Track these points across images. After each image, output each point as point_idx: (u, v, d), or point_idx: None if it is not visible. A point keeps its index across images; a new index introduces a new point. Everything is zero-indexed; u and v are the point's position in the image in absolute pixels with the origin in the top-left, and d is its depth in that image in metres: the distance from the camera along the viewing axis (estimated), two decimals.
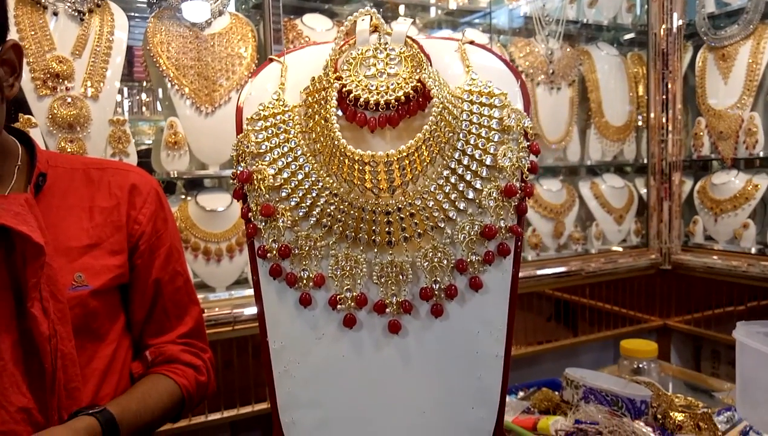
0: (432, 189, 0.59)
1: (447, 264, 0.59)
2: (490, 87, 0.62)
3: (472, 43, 0.66)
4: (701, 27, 2.21)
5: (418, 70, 0.59)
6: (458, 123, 0.60)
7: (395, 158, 0.56)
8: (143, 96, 1.92)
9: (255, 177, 0.60)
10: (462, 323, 0.61)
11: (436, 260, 0.59)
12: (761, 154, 2.06)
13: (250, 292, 1.67)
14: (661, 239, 2.30)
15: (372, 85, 0.58)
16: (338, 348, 0.61)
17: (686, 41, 2.30)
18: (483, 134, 0.60)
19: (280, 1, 1.60)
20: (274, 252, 0.60)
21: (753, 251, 2.09)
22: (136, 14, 1.62)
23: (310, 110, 0.60)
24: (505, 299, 0.61)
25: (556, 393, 1.20)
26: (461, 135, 0.60)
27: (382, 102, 0.58)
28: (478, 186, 0.59)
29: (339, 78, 0.59)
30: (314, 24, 1.74)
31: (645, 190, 2.34)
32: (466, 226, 0.60)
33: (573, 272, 2.06)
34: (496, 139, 0.60)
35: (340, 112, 0.59)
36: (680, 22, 2.26)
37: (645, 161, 2.32)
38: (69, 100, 1.38)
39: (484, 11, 2.03)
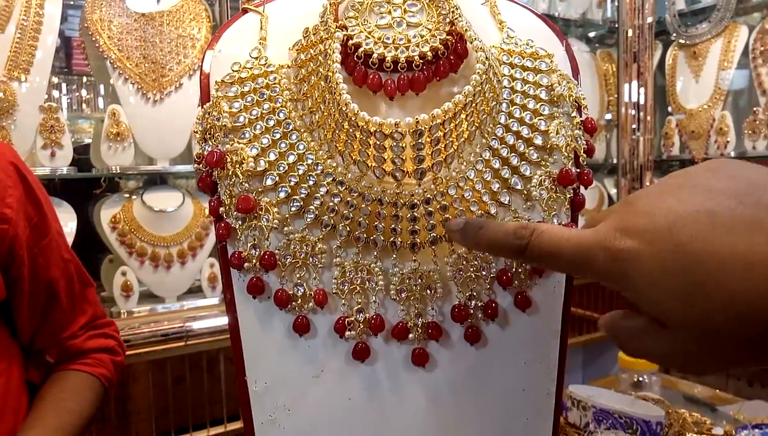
0: (470, 175, 0.44)
1: (486, 275, 0.45)
2: (533, 47, 0.48)
3: None
4: (671, 24, 2.17)
5: (446, 20, 0.44)
6: (501, 90, 0.46)
7: (427, 127, 0.40)
8: (83, 92, 1.75)
9: (229, 159, 0.43)
10: (505, 352, 0.46)
11: (472, 269, 0.44)
12: (732, 154, 2.03)
13: (204, 302, 1.50)
14: None
15: (388, 38, 0.43)
16: (344, 388, 0.45)
17: (655, 39, 2.26)
18: (530, 106, 0.46)
19: None
20: (254, 261, 0.43)
21: None
22: (73, 1, 1.42)
23: (303, 71, 0.45)
24: (557, 320, 0.47)
25: None
26: (503, 106, 0.46)
27: (402, 59, 0.42)
28: (526, 173, 0.45)
29: (343, 27, 0.44)
30: None
31: (615, 191, 2.28)
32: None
33: None
34: (545, 113, 0.46)
35: (344, 74, 0.44)
36: (650, 20, 2.21)
37: (615, 161, 2.26)
38: None
39: None
